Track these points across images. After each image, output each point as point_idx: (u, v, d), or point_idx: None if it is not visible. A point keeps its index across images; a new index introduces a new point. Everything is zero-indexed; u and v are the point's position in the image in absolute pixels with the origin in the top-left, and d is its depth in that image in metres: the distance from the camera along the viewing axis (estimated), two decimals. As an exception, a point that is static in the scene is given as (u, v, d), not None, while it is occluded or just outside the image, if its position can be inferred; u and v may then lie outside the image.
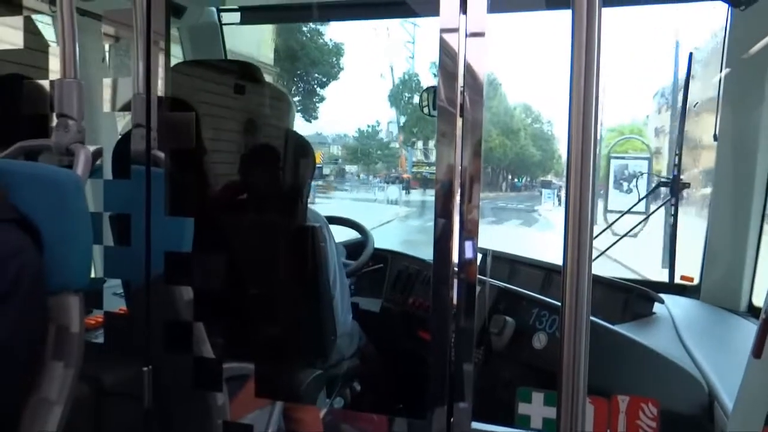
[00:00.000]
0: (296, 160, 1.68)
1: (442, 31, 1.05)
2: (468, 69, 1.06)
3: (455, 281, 1.08)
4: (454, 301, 1.10)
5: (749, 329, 1.86)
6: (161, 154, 1.24)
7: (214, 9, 2.43)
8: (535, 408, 1.07)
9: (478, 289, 2.00)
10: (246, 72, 1.69)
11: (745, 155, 2.18)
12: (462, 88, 1.06)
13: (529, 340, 1.79)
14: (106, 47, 1.69)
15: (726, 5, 2.01)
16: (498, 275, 2.36)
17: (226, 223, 1.55)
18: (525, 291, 1.95)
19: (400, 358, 2.07)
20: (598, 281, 2.12)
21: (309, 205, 1.78)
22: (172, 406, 1.34)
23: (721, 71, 2.23)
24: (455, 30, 1.04)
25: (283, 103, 1.73)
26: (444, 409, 1.13)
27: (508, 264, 2.49)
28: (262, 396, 1.25)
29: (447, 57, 1.07)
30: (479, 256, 2.65)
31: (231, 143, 1.70)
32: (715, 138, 2.26)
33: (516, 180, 30.05)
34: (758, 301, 2.20)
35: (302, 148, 1.74)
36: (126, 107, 1.28)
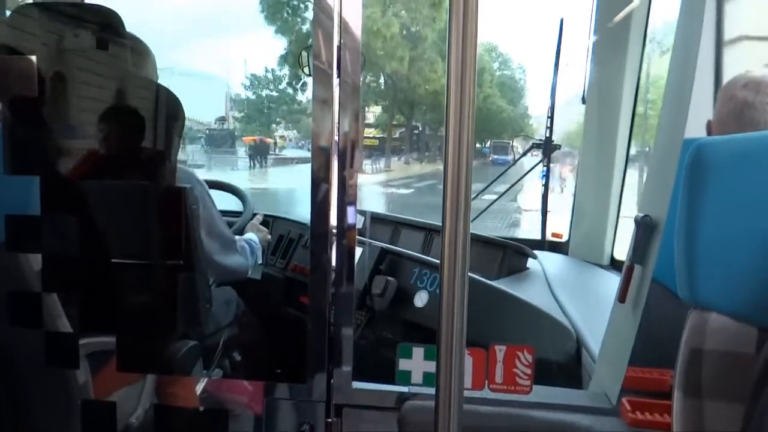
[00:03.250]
0: (161, 116, 1.54)
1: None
2: (345, 27, 1.01)
3: (334, 246, 1.06)
4: (333, 265, 1.08)
5: (612, 281, 1.98)
6: (-2, 104, 1.09)
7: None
8: (416, 363, 1.07)
9: (359, 251, 2.00)
10: (106, 20, 1.51)
11: (609, 118, 2.31)
12: (339, 48, 1.02)
13: (411, 299, 1.80)
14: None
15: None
16: (380, 237, 2.36)
17: (82, 183, 1.40)
18: (406, 251, 1.96)
19: (281, 325, 2.02)
20: (476, 239, 2.17)
21: (183, 166, 1.66)
22: (25, 386, 1.21)
23: (589, 38, 2.33)
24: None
25: (146, 55, 1.58)
26: (324, 373, 1.12)
27: (390, 225, 2.49)
28: (124, 370, 1.15)
29: (322, 13, 1.02)
30: (360, 219, 2.64)
31: (88, 99, 1.53)
32: (584, 101, 2.37)
33: (480, 143, 20.90)
34: (619, 254, 2.37)
35: (168, 103, 1.60)
36: None
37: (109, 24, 1.51)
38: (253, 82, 17.85)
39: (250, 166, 14.89)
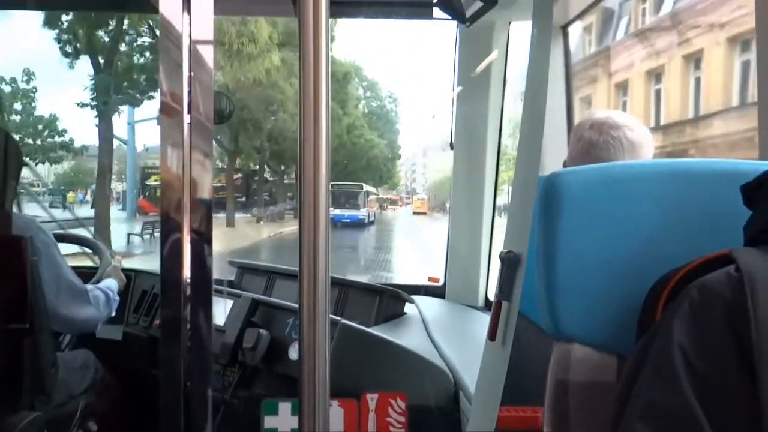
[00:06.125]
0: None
1: (164, 33, 0.95)
2: (196, 75, 0.96)
3: (188, 302, 0.97)
4: (188, 321, 0.99)
5: (486, 322, 2.01)
6: None
7: None
8: (283, 419, 0.99)
9: (230, 303, 1.88)
10: None
11: (476, 164, 2.39)
12: (189, 93, 0.96)
13: (285, 351, 1.71)
14: None
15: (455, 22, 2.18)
16: (253, 288, 2.25)
17: None
18: (279, 300, 1.87)
19: (143, 388, 1.83)
20: (353, 286, 2.13)
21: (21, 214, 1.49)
22: None
23: (453, 88, 2.43)
24: (179, 34, 0.95)
25: None
26: None
27: (263, 276, 2.39)
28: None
29: (170, 55, 0.96)
30: (235, 271, 2.52)
31: None
32: (452, 146, 2.45)
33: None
34: (493, 296, 2.42)
35: (8, 148, 1.45)
36: None
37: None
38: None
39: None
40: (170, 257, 0.97)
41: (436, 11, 2.21)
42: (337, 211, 14.64)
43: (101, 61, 12.03)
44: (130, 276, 2.26)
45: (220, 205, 14.30)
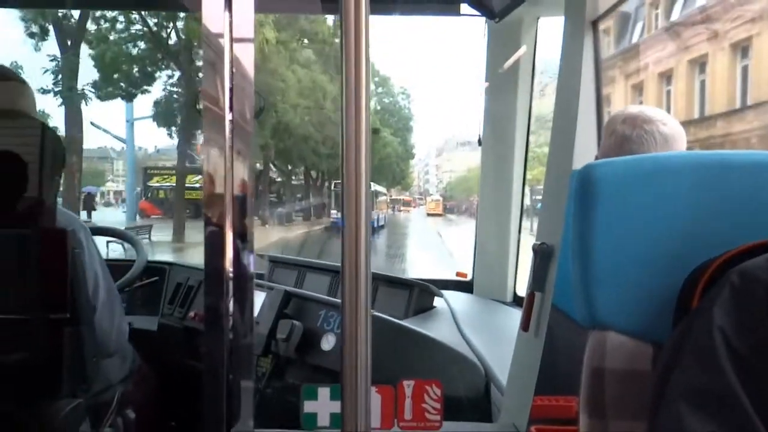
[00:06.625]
0: (38, 155, 1.44)
1: (207, 33, 0.98)
2: (237, 72, 0.99)
3: (230, 296, 1.00)
4: (230, 315, 1.02)
5: (516, 316, 2.02)
6: None
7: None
8: (322, 404, 1.01)
9: (263, 295, 1.92)
10: None
11: (504, 159, 2.40)
12: (230, 94, 0.99)
13: (318, 343, 1.74)
14: None
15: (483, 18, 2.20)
16: (284, 281, 2.29)
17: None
18: (311, 293, 1.91)
19: (180, 379, 1.88)
20: (383, 279, 2.16)
21: (64, 209, 1.54)
22: None
23: (485, 83, 2.44)
24: (220, 32, 0.98)
25: (20, 87, 1.47)
26: (223, 426, 1.04)
27: (294, 270, 2.43)
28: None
29: (212, 52, 0.99)
30: (268, 265, 2.56)
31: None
32: (480, 143, 2.46)
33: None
34: (522, 291, 2.43)
35: (47, 141, 1.49)
36: None
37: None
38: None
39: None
40: (212, 252, 1.00)
41: (464, 7, 2.22)
42: (340, 215, 13.57)
43: (68, 42, 10.74)
44: (165, 268, 2.31)
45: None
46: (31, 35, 10.56)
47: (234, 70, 1.00)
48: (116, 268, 1.83)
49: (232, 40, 1.00)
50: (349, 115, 0.77)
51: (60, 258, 1.45)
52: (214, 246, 1.00)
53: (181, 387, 1.86)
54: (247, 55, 1.01)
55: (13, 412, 1.32)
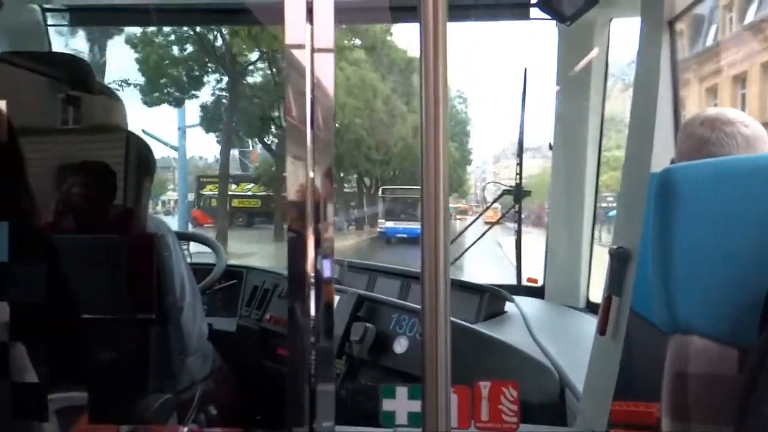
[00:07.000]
0: (131, 163, 1.54)
1: (289, 44, 1.02)
2: (317, 83, 1.03)
3: (311, 299, 1.04)
4: (311, 318, 1.06)
5: (589, 323, 1.99)
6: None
7: (37, 8, 2.19)
8: (400, 403, 1.05)
9: (337, 298, 1.97)
10: (75, 73, 1.52)
11: (576, 163, 2.37)
12: (311, 104, 1.04)
13: (390, 346, 1.78)
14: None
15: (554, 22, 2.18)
16: (356, 285, 2.34)
17: (52, 231, 1.37)
18: (384, 297, 1.95)
19: (258, 378, 1.96)
20: (453, 283, 2.17)
21: (153, 214, 1.64)
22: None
23: (556, 86, 2.42)
24: (302, 43, 1.02)
25: (114, 103, 1.58)
26: (306, 429, 1.08)
27: (365, 274, 2.48)
28: (96, 422, 1.10)
29: (294, 70, 1.04)
30: (338, 269, 2.63)
31: (57, 147, 1.52)
32: (551, 147, 2.44)
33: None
34: (595, 297, 2.39)
35: (139, 150, 1.60)
36: None
37: (78, 77, 1.51)
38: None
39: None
40: (295, 258, 1.05)
41: (534, 11, 2.21)
42: (390, 224, 11.53)
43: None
44: (243, 272, 2.41)
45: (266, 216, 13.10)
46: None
47: (315, 81, 1.05)
48: (196, 272, 1.93)
49: (313, 50, 1.04)
50: (429, 122, 0.79)
51: (148, 262, 1.54)
52: (296, 252, 1.05)
53: (257, 387, 1.94)
54: (327, 66, 1.05)
55: (107, 406, 1.42)
